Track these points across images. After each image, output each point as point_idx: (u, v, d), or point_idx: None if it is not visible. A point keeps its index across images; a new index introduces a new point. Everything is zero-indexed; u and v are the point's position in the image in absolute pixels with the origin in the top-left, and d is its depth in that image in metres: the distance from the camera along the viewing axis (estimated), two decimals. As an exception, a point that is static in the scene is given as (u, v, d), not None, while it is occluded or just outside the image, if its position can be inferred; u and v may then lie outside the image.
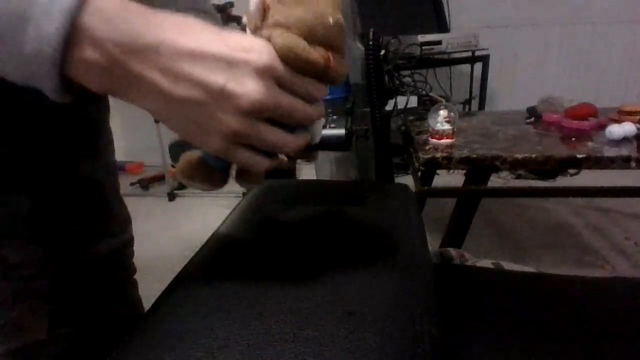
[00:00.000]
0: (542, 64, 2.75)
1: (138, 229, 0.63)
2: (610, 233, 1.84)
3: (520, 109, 1.62)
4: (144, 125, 2.35)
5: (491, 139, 1.30)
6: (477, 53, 2.29)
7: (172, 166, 2.53)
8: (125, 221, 0.61)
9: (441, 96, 2.02)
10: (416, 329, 0.35)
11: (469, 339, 0.55)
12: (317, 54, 0.32)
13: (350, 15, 1.38)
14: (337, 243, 0.47)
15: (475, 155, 1.14)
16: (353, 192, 0.66)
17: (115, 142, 0.60)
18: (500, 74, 2.68)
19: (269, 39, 0.31)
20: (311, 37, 0.31)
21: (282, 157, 0.40)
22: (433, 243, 1.54)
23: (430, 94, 1.88)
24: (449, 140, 1.24)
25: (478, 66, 2.33)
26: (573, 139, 1.28)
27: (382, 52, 1.32)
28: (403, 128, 1.58)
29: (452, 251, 0.87)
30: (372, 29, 1.28)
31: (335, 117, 0.50)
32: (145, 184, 2.66)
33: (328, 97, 0.36)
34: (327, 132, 0.48)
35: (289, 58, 0.31)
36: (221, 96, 0.30)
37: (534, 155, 1.12)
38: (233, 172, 0.41)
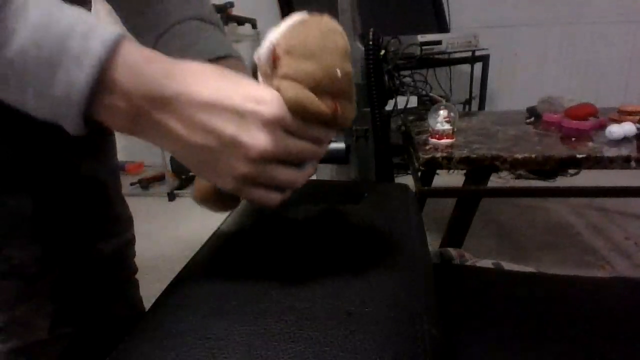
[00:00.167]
0: (542, 64, 2.74)
1: (138, 229, 0.63)
2: (610, 233, 1.84)
3: (520, 109, 1.63)
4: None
5: (491, 139, 1.30)
6: (477, 53, 2.29)
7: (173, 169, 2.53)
8: (127, 221, 0.61)
9: (441, 96, 2.02)
10: (416, 329, 0.35)
11: (469, 339, 0.55)
12: (324, 106, 0.33)
13: (350, 15, 1.38)
14: (337, 243, 0.47)
15: (475, 155, 1.14)
16: (353, 192, 0.66)
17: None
18: (500, 74, 2.68)
19: (278, 90, 0.33)
20: (319, 89, 0.33)
21: None
22: (433, 243, 1.54)
23: (430, 94, 1.88)
24: (449, 140, 1.24)
25: (478, 66, 2.33)
26: (573, 139, 1.28)
27: (382, 52, 1.32)
28: (403, 128, 1.58)
29: (452, 251, 0.87)
30: (372, 29, 1.28)
31: None
32: (145, 184, 2.66)
33: None
34: (328, 146, 0.49)
35: (297, 110, 0.33)
36: (232, 145, 0.32)
37: (534, 155, 1.12)
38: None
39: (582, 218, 1.99)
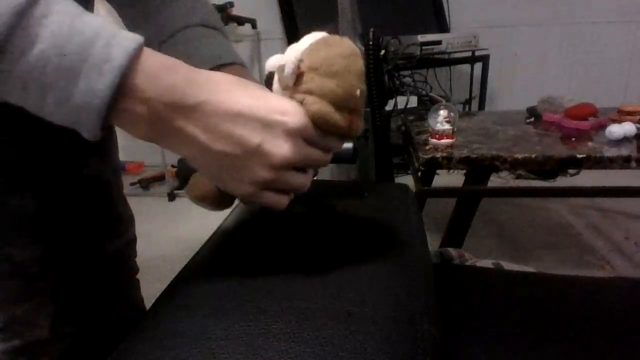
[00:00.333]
0: (542, 64, 2.74)
1: (138, 229, 0.63)
2: (610, 233, 1.84)
3: (520, 109, 1.62)
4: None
5: (491, 139, 1.30)
6: (477, 53, 2.29)
7: (173, 166, 2.53)
8: (128, 221, 0.62)
9: (441, 96, 2.02)
10: (416, 329, 0.35)
11: (469, 339, 0.55)
12: (342, 120, 0.37)
13: (350, 15, 1.38)
14: (337, 243, 0.47)
15: (475, 155, 1.14)
16: (353, 192, 0.66)
17: (115, 142, 0.60)
18: (500, 74, 2.68)
19: (301, 102, 0.36)
20: (339, 105, 0.36)
21: None
22: (433, 243, 1.54)
23: (430, 94, 1.88)
24: (449, 140, 1.24)
25: (478, 66, 2.33)
26: (573, 139, 1.28)
27: (382, 52, 1.32)
28: (403, 128, 1.58)
29: (452, 251, 0.87)
30: (372, 29, 1.28)
31: None
32: (146, 184, 2.66)
33: None
34: None
35: (318, 123, 0.36)
36: (257, 153, 0.34)
37: (534, 155, 1.12)
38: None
39: (582, 218, 1.99)
